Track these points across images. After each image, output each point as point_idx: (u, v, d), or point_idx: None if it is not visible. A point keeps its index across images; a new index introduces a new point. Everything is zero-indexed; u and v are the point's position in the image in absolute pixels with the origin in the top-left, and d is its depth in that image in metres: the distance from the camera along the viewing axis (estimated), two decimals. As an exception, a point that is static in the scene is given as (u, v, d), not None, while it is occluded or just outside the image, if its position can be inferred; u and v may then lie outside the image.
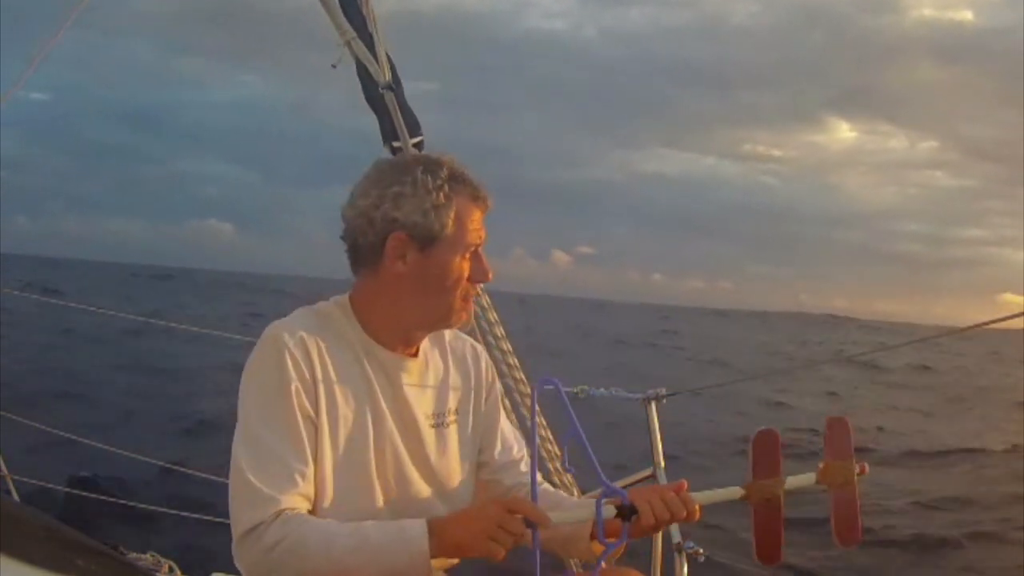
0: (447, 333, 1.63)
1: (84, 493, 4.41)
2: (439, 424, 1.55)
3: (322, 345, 1.43)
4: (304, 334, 1.42)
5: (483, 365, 1.67)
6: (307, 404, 1.40)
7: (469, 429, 1.61)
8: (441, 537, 1.36)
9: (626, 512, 1.37)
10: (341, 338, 1.47)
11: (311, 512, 1.40)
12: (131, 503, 4.46)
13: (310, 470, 1.39)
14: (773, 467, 1.46)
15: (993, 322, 2.06)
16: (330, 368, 1.43)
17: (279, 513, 1.34)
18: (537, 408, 1.52)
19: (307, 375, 1.40)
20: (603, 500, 1.39)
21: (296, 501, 1.37)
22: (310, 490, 1.39)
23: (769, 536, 1.46)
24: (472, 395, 1.62)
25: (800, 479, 1.46)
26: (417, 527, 1.36)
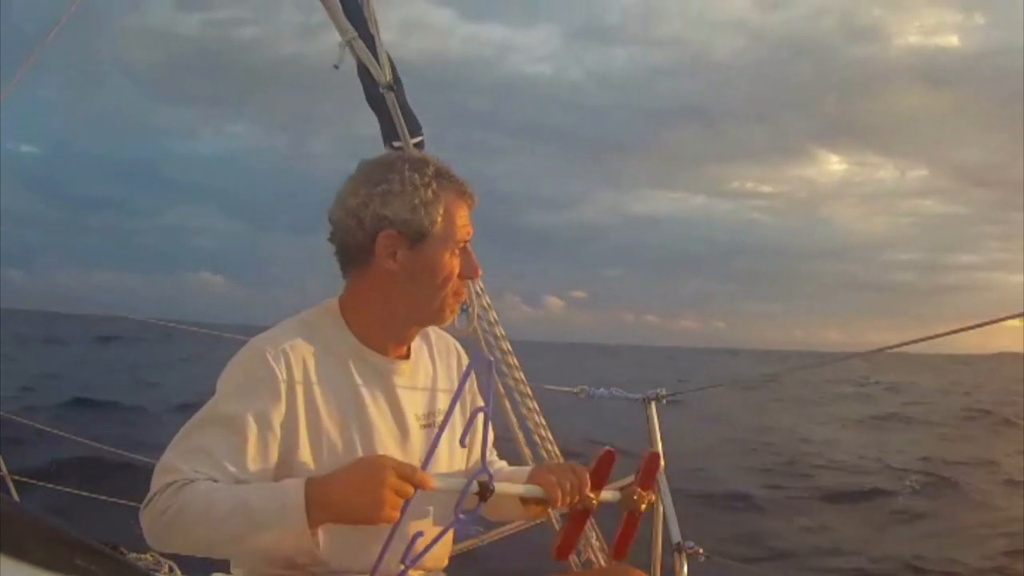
0: (432, 332, 1.64)
1: (85, 493, 4.40)
2: (429, 424, 1.56)
3: (306, 355, 1.43)
4: (287, 346, 1.41)
5: (460, 361, 1.69)
6: (274, 417, 1.38)
7: (458, 431, 1.60)
8: (322, 503, 1.31)
9: (486, 493, 1.42)
10: (327, 346, 1.47)
11: None
12: (131, 503, 4.46)
13: (237, 472, 1.36)
14: (601, 481, 1.64)
15: (994, 322, 2.06)
16: (313, 378, 1.42)
17: (174, 482, 1.32)
18: (537, 407, 1.55)
19: (282, 388, 1.39)
20: (474, 478, 1.41)
21: (200, 468, 1.34)
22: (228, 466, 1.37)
23: (570, 537, 1.65)
24: (457, 392, 1.63)
25: (608, 495, 1.66)
26: (293, 492, 1.31)
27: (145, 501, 1.34)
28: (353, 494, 1.31)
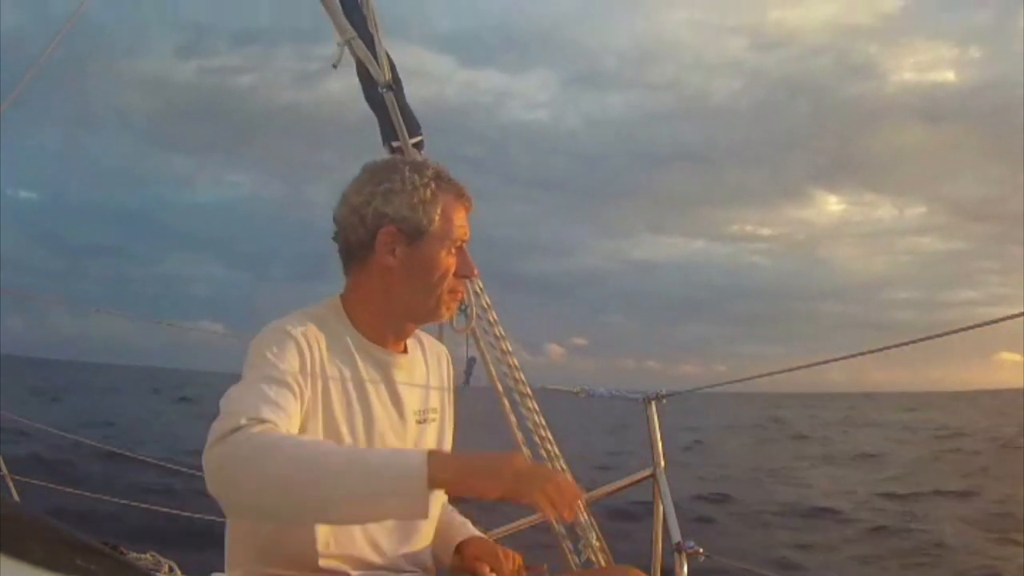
0: (424, 337, 1.70)
1: (84, 493, 4.40)
2: (423, 420, 1.61)
3: (319, 340, 1.47)
4: (303, 329, 1.45)
5: (449, 369, 1.75)
6: (304, 384, 1.40)
7: (446, 428, 1.68)
8: (446, 463, 1.23)
9: None
10: (333, 336, 1.51)
11: None
12: (132, 503, 4.46)
13: (296, 420, 1.35)
14: None
15: (994, 321, 2.06)
16: (327, 364, 1.46)
17: (264, 420, 1.26)
18: (537, 407, 1.56)
19: (308, 362, 1.42)
20: None
21: (282, 421, 1.30)
22: (294, 428, 1.35)
23: None
24: (446, 395, 1.70)
25: None
26: (414, 452, 1.29)
27: (215, 436, 1.23)
28: (483, 458, 1.28)
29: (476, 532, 1.78)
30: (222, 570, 1.62)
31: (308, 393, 1.41)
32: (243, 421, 1.24)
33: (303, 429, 1.39)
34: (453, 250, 1.54)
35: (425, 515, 1.23)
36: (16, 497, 3.61)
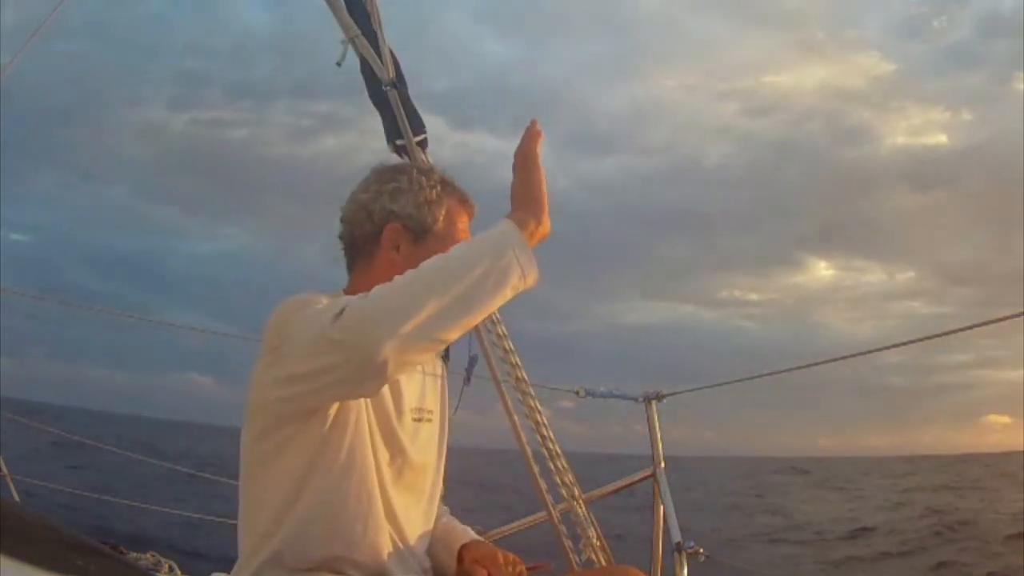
0: None
1: (84, 493, 4.40)
2: (419, 419, 1.62)
3: None
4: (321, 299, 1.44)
5: (441, 372, 1.76)
6: None
7: (441, 429, 1.69)
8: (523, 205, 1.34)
9: None
10: None
11: (301, 493, 1.42)
12: (132, 503, 4.46)
13: None
14: None
15: (994, 321, 2.05)
16: None
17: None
18: (539, 406, 1.56)
19: None
20: None
21: None
22: None
23: None
24: (441, 398, 1.72)
25: None
26: (499, 223, 1.33)
27: (329, 318, 1.25)
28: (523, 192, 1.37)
29: (476, 537, 1.78)
30: (222, 570, 1.62)
31: None
32: (340, 305, 1.26)
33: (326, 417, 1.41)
34: None
35: (534, 266, 1.30)
36: (16, 497, 3.61)
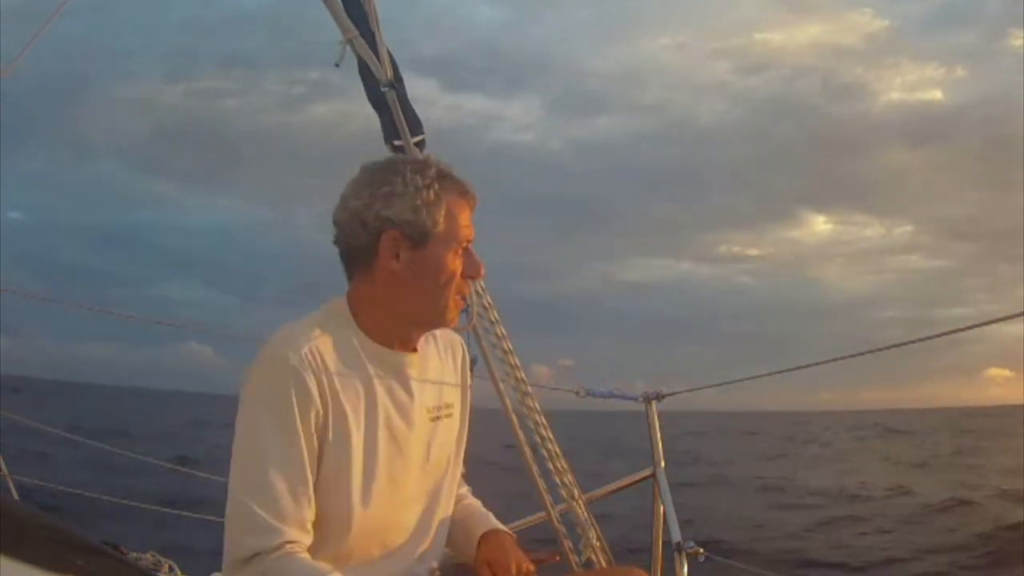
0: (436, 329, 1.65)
1: (85, 493, 4.40)
2: (437, 417, 1.59)
3: (325, 355, 1.43)
4: (307, 349, 1.41)
5: (462, 355, 1.72)
6: (313, 423, 1.39)
7: (460, 422, 1.66)
8: None
9: None
10: (341, 343, 1.47)
11: (317, 520, 1.42)
12: (132, 503, 4.45)
13: (311, 494, 1.38)
14: None
15: (994, 321, 2.06)
16: (335, 378, 1.43)
17: (280, 545, 1.33)
18: (538, 406, 1.56)
19: (315, 392, 1.40)
20: None
21: (297, 533, 1.36)
22: (311, 516, 1.39)
23: None
24: (461, 383, 1.68)
25: None
26: None
27: (244, 555, 1.35)
28: None
29: (498, 525, 1.74)
30: (222, 570, 1.62)
31: (320, 421, 1.41)
32: (264, 546, 1.33)
33: (321, 455, 1.41)
34: (459, 251, 1.51)
35: None
36: (16, 497, 3.60)
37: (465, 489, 1.79)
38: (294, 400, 1.38)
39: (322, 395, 1.40)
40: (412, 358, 1.55)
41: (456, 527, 1.68)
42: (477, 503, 1.79)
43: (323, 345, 1.44)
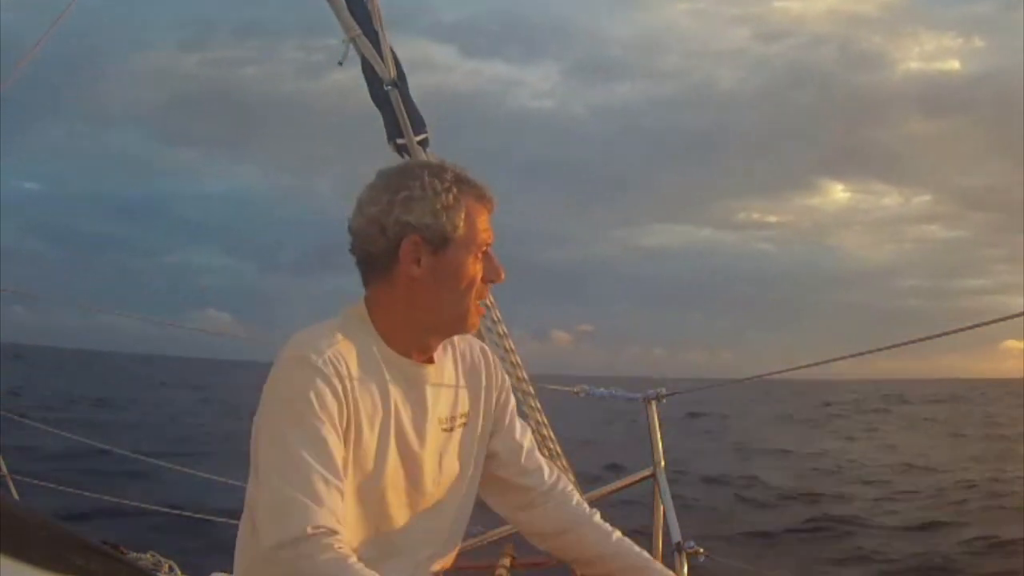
0: (455, 336, 1.63)
1: (84, 493, 4.40)
2: (450, 428, 1.57)
3: (348, 361, 1.43)
4: (331, 354, 1.41)
5: (493, 367, 1.68)
6: (338, 423, 1.39)
7: (478, 430, 1.62)
8: None
9: None
10: (363, 350, 1.47)
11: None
12: (131, 503, 4.46)
13: (343, 487, 1.37)
14: None
15: (994, 321, 2.06)
16: (356, 383, 1.42)
17: (318, 528, 1.30)
18: (540, 405, 1.55)
19: (339, 392, 1.39)
20: None
21: (331, 520, 1.33)
22: (342, 507, 1.37)
23: None
24: (483, 396, 1.64)
25: None
26: None
27: (280, 539, 1.30)
28: None
29: (657, 567, 1.66)
30: (222, 570, 1.62)
31: (344, 423, 1.40)
32: (308, 530, 1.29)
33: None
34: (479, 255, 1.49)
35: None
36: (16, 497, 3.60)
37: (592, 512, 1.72)
38: (326, 399, 1.37)
39: (345, 399, 1.40)
40: (430, 370, 1.54)
41: (622, 571, 1.65)
42: (629, 543, 1.70)
43: (345, 350, 1.43)
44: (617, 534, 1.70)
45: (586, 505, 1.73)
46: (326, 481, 1.34)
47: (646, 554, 1.68)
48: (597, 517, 1.71)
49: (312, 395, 1.36)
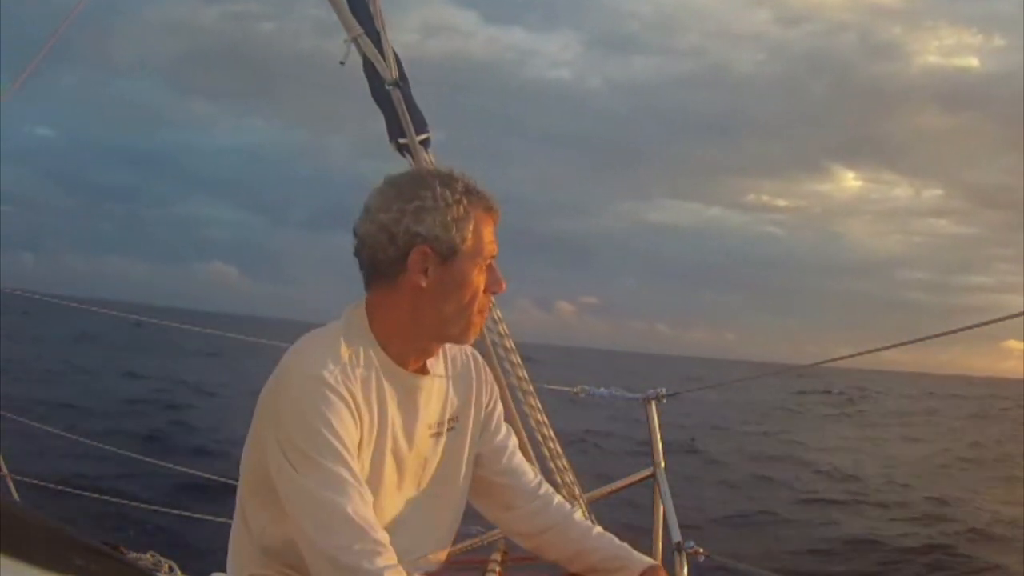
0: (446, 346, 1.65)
1: (84, 493, 4.40)
2: (439, 432, 1.59)
3: (352, 373, 1.44)
4: (339, 369, 1.43)
5: (483, 373, 1.70)
6: (353, 436, 1.41)
7: (468, 435, 1.64)
8: None
9: None
10: (364, 361, 1.48)
11: None
12: (131, 503, 4.46)
13: (369, 499, 1.40)
14: None
15: (993, 321, 2.06)
16: (359, 395, 1.44)
17: (367, 539, 1.34)
18: (539, 405, 1.56)
19: (351, 405, 1.41)
20: None
21: (378, 529, 1.38)
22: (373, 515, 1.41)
23: None
24: (473, 402, 1.65)
25: None
26: None
27: (353, 563, 1.33)
28: None
29: (646, 560, 1.67)
30: (222, 570, 1.62)
31: (355, 437, 1.43)
32: (366, 565, 1.33)
33: None
34: (484, 267, 1.51)
35: None
36: (16, 497, 3.61)
37: (570, 508, 1.75)
38: (342, 416, 1.40)
39: (357, 411, 1.43)
40: (424, 381, 1.56)
41: (603, 562, 1.66)
42: (610, 537, 1.73)
43: (350, 362, 1.45)
44: (598, 529, 1.72)
45: (568, 505, 1.76)
46: (361, 495, 1.38)
47: (627, 546, 1.70)
48: (578, 515, 1.74)
49: (330, 413, 1.39)
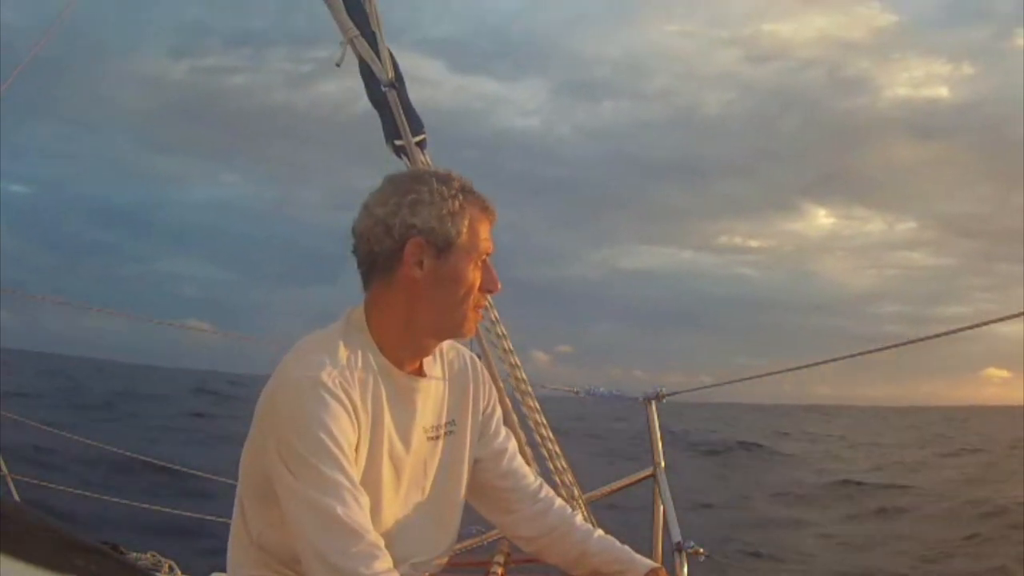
0: (444, 343, 1.65)
1: (85, 493, 4.40)
2: (435, 436, 1.59)
3: (351, 376, 1.45)
4: (338, 371, 1.43)
5: (481, 376, 1.71)
6: (351, 440, 1.42)
7: (466, 438, 1.65)
8: None
9: None
10: (362, 364, 1.48)
11: None
12: (132, 503, 4.46)
13: (362, 497, 1.40)
14: None
15: (987, 323, 2.06)
16: (356, 397, 1.44)
17: (364, 542, 1.35)
18: (538, 406, 1.56)
19: (349, 409, 1.42)
20: None
21: (374, 534, 1.38)
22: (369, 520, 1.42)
23: None
24: (470, 405, 1.66)
25: None
26: None
27: (333, 551, 1.33)
28: None
29: (647, 563, 1.68)
30: (222, 570, 1.62)
31: (353, 440, 1.43)
32: (362, 570, 1.33)
33: None
34: (479, 263, 1.52)
35: None
36: (16, 497, 3.61)
37: (568, 512, 1.75)
38: (341, 420, 1.40)
39: (356, 415, 1.43)
40: (420, 383, 1.56)
41: (604, 565, 1.67)
42: (612, 539, 1.73)
43: (349, 365, 1.46)
44: (599, 532, 1.73)
45: (568, 508, 1.76)
46: (357, 499, 1.38)
47: (628, 548, 1.70)
48: (578, 518, 1.74)
49: (328, 417, 1.39)
